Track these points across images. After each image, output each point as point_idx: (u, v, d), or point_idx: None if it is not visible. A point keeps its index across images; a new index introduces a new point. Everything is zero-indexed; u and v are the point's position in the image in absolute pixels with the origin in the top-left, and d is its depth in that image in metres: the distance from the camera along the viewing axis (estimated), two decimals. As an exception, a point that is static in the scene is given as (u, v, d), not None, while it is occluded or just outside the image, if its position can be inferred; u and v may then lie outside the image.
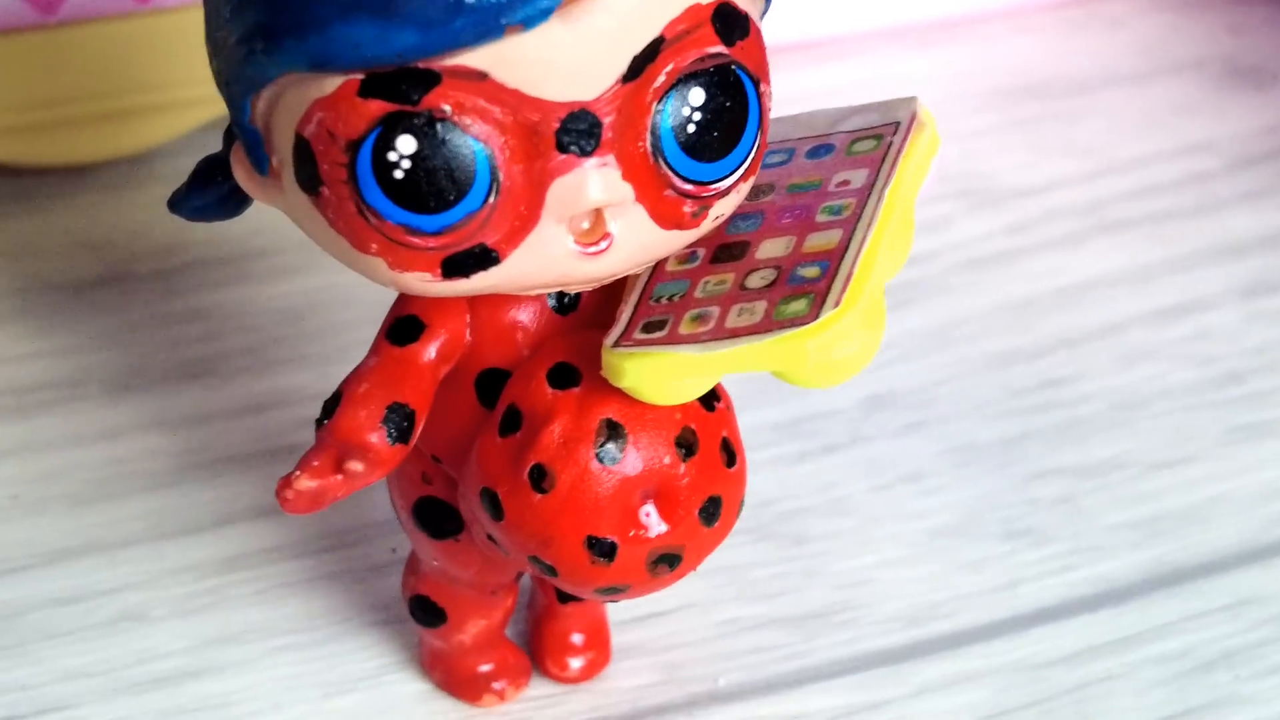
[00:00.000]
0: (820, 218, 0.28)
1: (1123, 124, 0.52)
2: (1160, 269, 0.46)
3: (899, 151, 0.29)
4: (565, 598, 0.35)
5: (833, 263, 0.27)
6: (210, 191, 0.31)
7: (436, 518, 0.32)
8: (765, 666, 0.36)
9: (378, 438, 0.28)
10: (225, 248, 0.46)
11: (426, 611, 0.34)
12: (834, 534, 0.39)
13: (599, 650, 0.36)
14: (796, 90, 0.52)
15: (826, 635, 0.37)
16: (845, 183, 0.29)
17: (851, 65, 0.54)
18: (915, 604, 0.37)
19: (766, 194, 0.30)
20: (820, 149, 0.30)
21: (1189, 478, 0.40)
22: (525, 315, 0.30)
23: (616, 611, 0.37)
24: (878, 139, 0.29)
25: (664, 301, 0.29)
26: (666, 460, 0.29)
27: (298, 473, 0.28)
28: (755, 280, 0.28)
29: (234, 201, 0.31)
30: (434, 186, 0.26)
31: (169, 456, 0.40)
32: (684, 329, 0.28)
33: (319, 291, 0.45)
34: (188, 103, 0.48)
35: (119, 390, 0.42)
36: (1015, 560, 0.38)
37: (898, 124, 0.29)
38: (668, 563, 0.29)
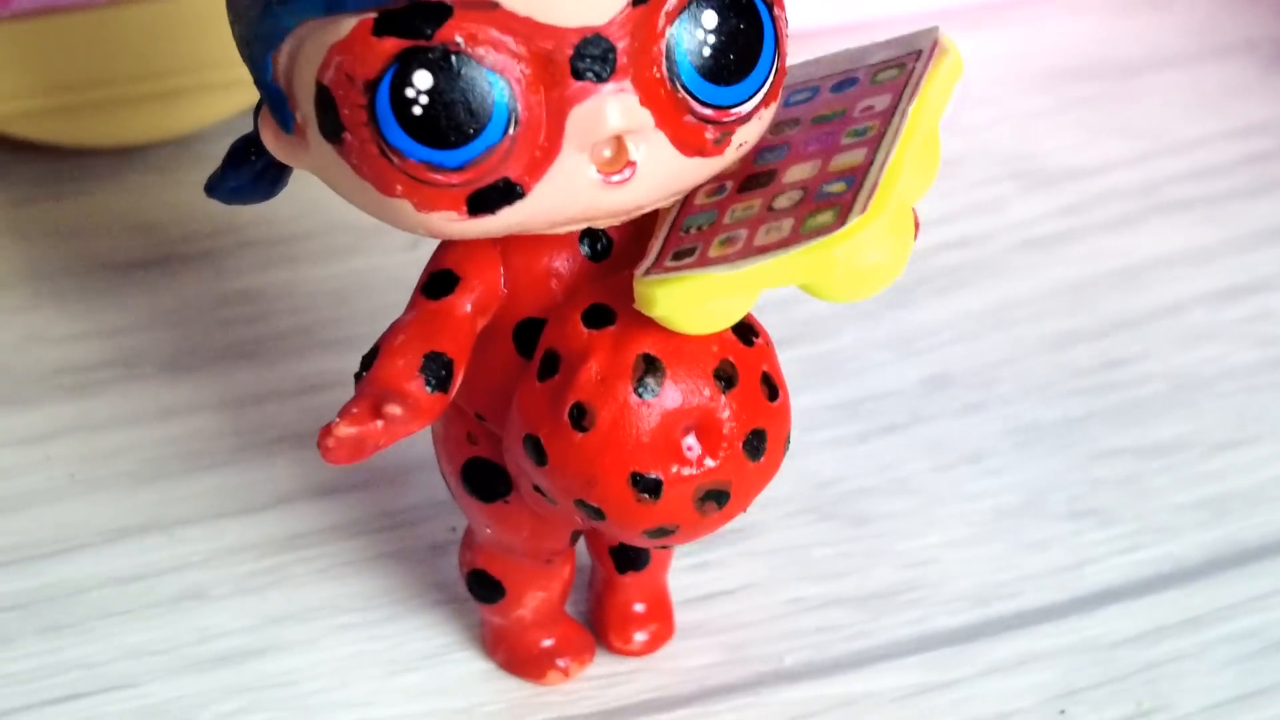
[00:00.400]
0: (845, 140, 0.29)
1: (1175, 105, 0.51)
2: (1218, 250, 0.46)
3: (921, 75, 0.29)
4: (624, 566, 0.35)
5: (858, 177, 0.28)
6: (244, 171, 0.31)
7: (485, 479, 0.32)
8: (831, 646, 0.36)
9: (416, 386, 0.28)
10: (274, 229, 0.46)
11: (484, 586, 0.34)
12: (896, 514, 0.39)
13: (662, 622, 0.35)
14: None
15: (892, 615, 0.36)
16: (869, 108, 0.29)
17: (901, 47, 0.53)
18: (981, 584, 0.37)
19: (792, 128, 0.30)
20: (845, 83, 0.30)
21: (1254, 457, 0.40)
22: (560, 263, 0.30)
23: (678, 591, 0.36)
24: (900, 67, 0.29)
25: (693, 231, 0.29)
26: (706, 393, 0.29)
27: (338, 420, 0.28)
28: (782, 201, 0.28)
29: (268, 180, 0.31)
30: (453, 120, 0.27)
31: (224, 436, 0.40)
32: (713, 252, 0.28)
33: (368, 273, 0.45)
34: (236, 83, 0.48)
35: (172, 370, 0.42)
36: (1081, 540, 0.38)
37: (920, 52, 0.29)
38: (715, 499, 0.29)
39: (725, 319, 0.28)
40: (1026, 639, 0.36)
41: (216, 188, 0.32)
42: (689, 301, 0.28)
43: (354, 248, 0.46)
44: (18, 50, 0.46)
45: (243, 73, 0.47)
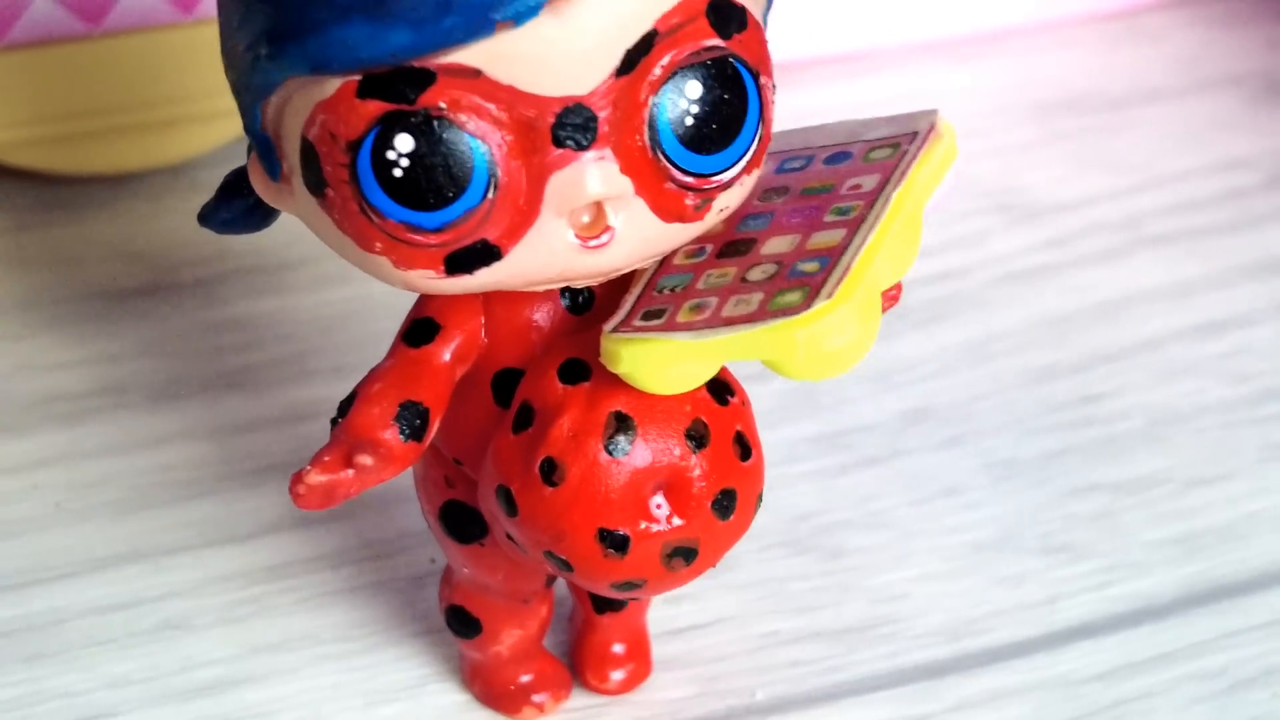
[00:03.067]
0: (828, 218, 0.29)
1: (1161, 139, 0.52)
2: (1199, 285, 0.46)
3: (913, 159, 0.29)
4: (602, 608, 0.35)
5: (833, 259, 0.28)
6: (236, 204, 0.32)
7: (461, 522, 0.32)
8: (804, 680, 0.36)
9: (390, 434, 0.29)
10: (265, 257, 0.47)
11: (462, 622, 0.34)
12: (872, 548, 0.39)
13: (639, 662, 0.36)
14: (834, 103, 0.53)
15: (865, 649, 0.37)
16: (857, 186, 0.29)
17: (888, 79, 0.54)
18: (954, 619, 0.37)
19: (781, 196, 0.30)
20: (838, 156, 0.30)
21: (1228, 494, 0.40)
22: (540, 315, 0.30)
23: (654, 624, 0.37)
24: (894, 147, 0.30)
25: (666, 292, 0.29)
26: (677, 452, 0.29)
27: (309, 468, 0.28)
28: (756, 274, 0.28)
29: (260, 213, 0.32)
30: (433, 183, 0.27)
31: (212, 465, 0.41)
32: (681, 317, 0.28)
33: (358, 301, 0.45)
34: (229, 113, 0.48)
35: (161, 398, 0.42)
36: (1054, 576, 0.38)
37: (916, 133, 0.30)
38: (683, 556, 0.30)
39: (688, 383, 0.28)
40: (998, 675, 0.36)
41: (209, 218, 0.32)
42: (652, 363, 0.28)
43: (344, 276, 0.46)
44: (10, 80, 0.46)
45: (234, 103, 0.48)
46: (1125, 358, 0.44)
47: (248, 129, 0.29)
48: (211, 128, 0.48)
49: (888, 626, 0.37)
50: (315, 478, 0.28)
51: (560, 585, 0.36)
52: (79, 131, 0.48)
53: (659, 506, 0.29)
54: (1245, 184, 0.50)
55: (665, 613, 0.37)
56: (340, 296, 0.46)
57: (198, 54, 0.47)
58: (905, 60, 0.54)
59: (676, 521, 0.29)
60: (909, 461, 0.41)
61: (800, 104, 0.50)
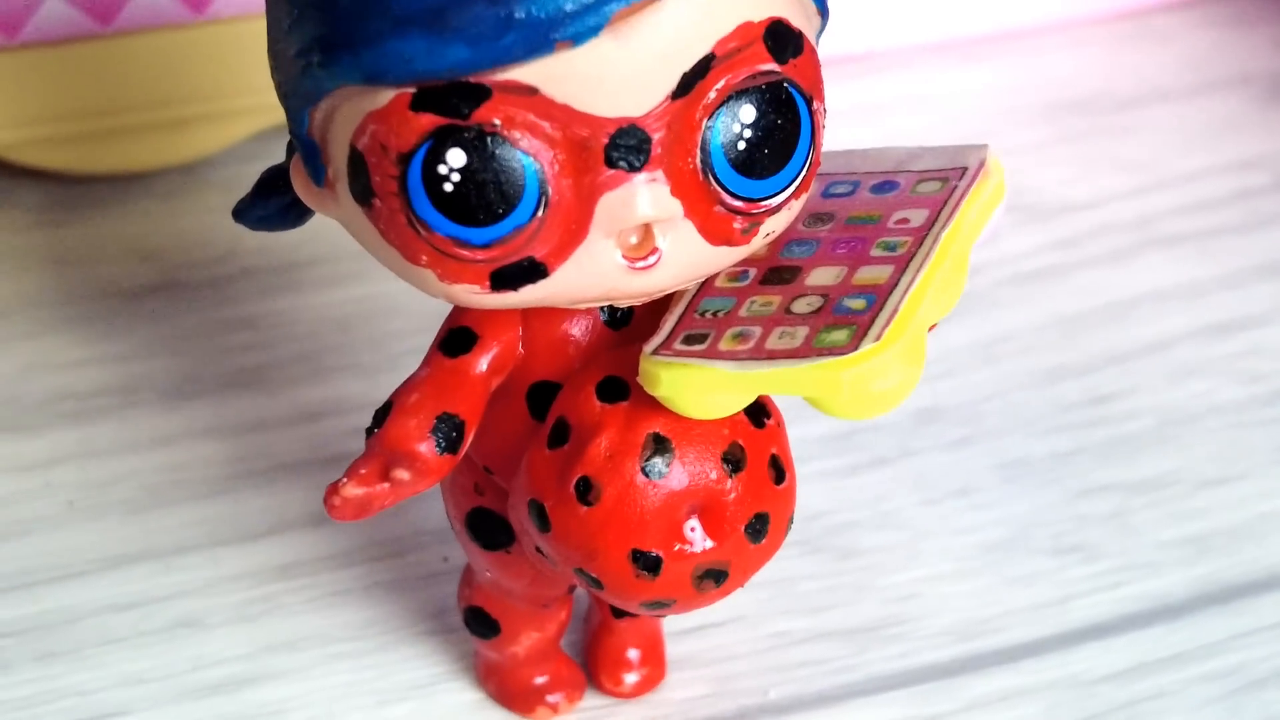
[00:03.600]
0: (874, 252, 0.29)
1: (1171, 139, 0.52)
2: (1210, 285, 0.46)
3: (962, 196, 0.29)
4: (619, 613, 0.35)
5: (880, 297, 0.27)
6: (273, 202, 0.32)
7: (489, 529, 0.32)
8: (816, 680, 0.36)
9: (426, 447, 0.29)
10: (278, 256, 0.47)
11: (481, 623, 0.34)
12: (884, 548, 0.39)
13: (654, 666, 0.36)
14: (845, 103, 0.52)
15: (877, 649, 0.37)
16: (904, 220, 0.29)
17: (899, 79, 0.54)
18: (966, 619, 0.37)
19: (826, 223, 0.30)
20: (885, 185, 0.30)
21: (1239, 495, 0.40)
22: (578, 329, 0.30)
23: (667, 624, 0.37)
24: (943, 181, 0.29)
25: (708, 316, 0.29)
26: (713, 476, 0.29)
27: (345, 480, 0.28)
28: (801, 305, 0.28)
29: (295, 212, 0.32)
30: (483, 200, 0.27)
31: (223, 464, 0.41)
32: (724, 345, 0.28)
33: (371, 300, 0.45)
34: (241, 112, 0.48)
35: (173, 397, 0.42)
36: (1066, 576, 0.38)
37: (965, 169, 0.29)
38: (713, 579, 0.30)
39: (725, 410, 0.28)
40: (1009, 675, 0.36)
41: (244, 214, 0.32)
42: (692, 390, 0.28)
43: (358, 275, 0.46)
44: (22, 79, 0.47)
45: (247, 102, 0.48)
46: (1136, 358, 0.44)
47: (293, 132, 0.29)
48: (224, 127, 0.48)
49: (899, 626, 0.37)
50: (351, 490, 0.28)
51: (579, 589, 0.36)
52: (91, 131, 0.48)
53: (693, 530, 0.29)
54: (1255, 184, 0.50)
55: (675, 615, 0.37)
56: (353, 296, 0.46)
57: (210, 53, 0.48)
58: (915, 61, 0.55)
59: (709, 544, 0.29)
60: (920, 462, 0.41)
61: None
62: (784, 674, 0.36)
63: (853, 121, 0.52)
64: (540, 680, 0.35)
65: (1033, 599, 0.38)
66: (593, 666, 0.36)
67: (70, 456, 0.41)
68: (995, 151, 0.29)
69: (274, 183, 0.31)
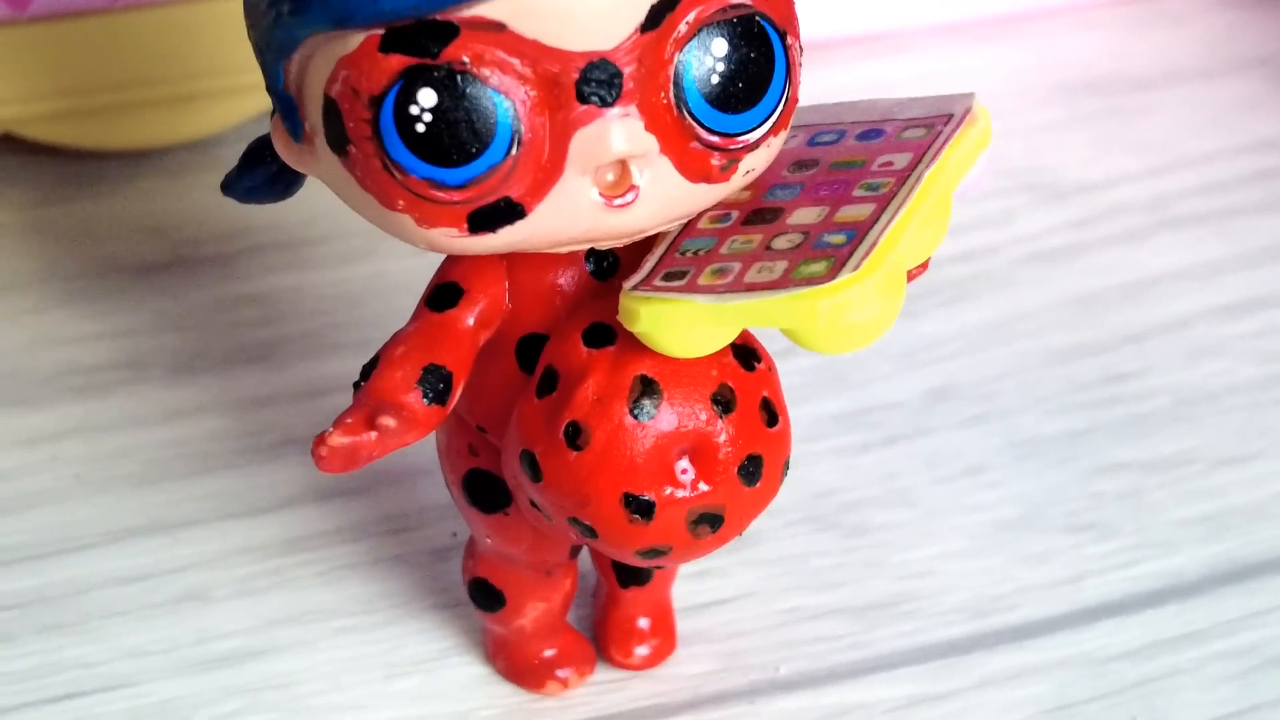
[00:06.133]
0: (857, 192, 0.29)
1: (1186, 120, 0.51)
2: (1226, 265, 0.46)
3: (946, 140, 0.29)
4: (626, 582, 0.35)
5: (860, 232, 0.28)
6: (259, 172, 0.31)
7: (485, 490, 0.32)
8: (827, 656, 0.36)
9: (413, 398, 0.28)
10: (286, 233, 0.47)
11: (485, 595, 0.34)
12: (896, 525, 0.39)
13: (664, 637, 0.35)
14: (859, 83, 0.52)
15: (888, 626, 0.36)
16: (888, 164, 0.29)
17: (914, 59, 0.54)
18: (978, 596, 0.37)
19: (810, 168, 0.30)
20: (871, 133, 0.30)
21: (1255, 474, 0.40)
22: (564, 279, 0.30)
23: (678, 599, 0.36)
24: (929, 128, 0.29)
25: (689, 255, 0.29)
26: (703, 417, 0.29)
27: (331, 430, 0.28)
28: (781, 242, 0.28)
29: (283, 182, 0.32)
30: (456, 139, 0.27)
31: (231, 438, 0.41)
32: (703, 280, 0.28)
33: (379, 277, 0.45)
34: (249, 88, 0.48)
35: (181, 372, 0.42)
36: (1079, 554, 0.38)
37: (951, 115, 0.29)
38: (709, 523, 0.29)
39: (706, 346, 0.28)
40: (1022, 652, 0.36)
41: (233, 187, 0.32)
42: (670, 324, 0.28)
43: (365, 252, 0.46)
44: (33, 53, 0.46)
45: (256, 78, 0.47)
46: (1152, 337, 0.44)
47: (270, 89, 0.29)
48: (232, 103, 0.48)
49: (911, 603, 0.37)
50: (338, 439, 0.28)
51: (584, 559, 0.36)
52: (99, 106, 0.47)
53: (684, 471, 0.29)
54: (1271, 165, 0.50)
55: (688, 588, 0.37)
56: (360, 273, 0.45)
57: (218, 28, 0.47)
58: (931, 40, 0.54)
59: (703, 487, 0.29)
60: (933, 439, 0.41)
61: (827, 83, 0.50)
62: (795, 650, 0.36)
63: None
64: (549, 654, 0.35)
65: (1046, 577, 0.38)
66: (602, 640, 0.35)
67: (77, 430, 0.41)
68: (981, 100, 0.29)
69: (260, 152, 0.31)
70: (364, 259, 0.46)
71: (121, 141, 0.48)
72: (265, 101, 0.48)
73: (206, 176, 0.48)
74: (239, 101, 0.48)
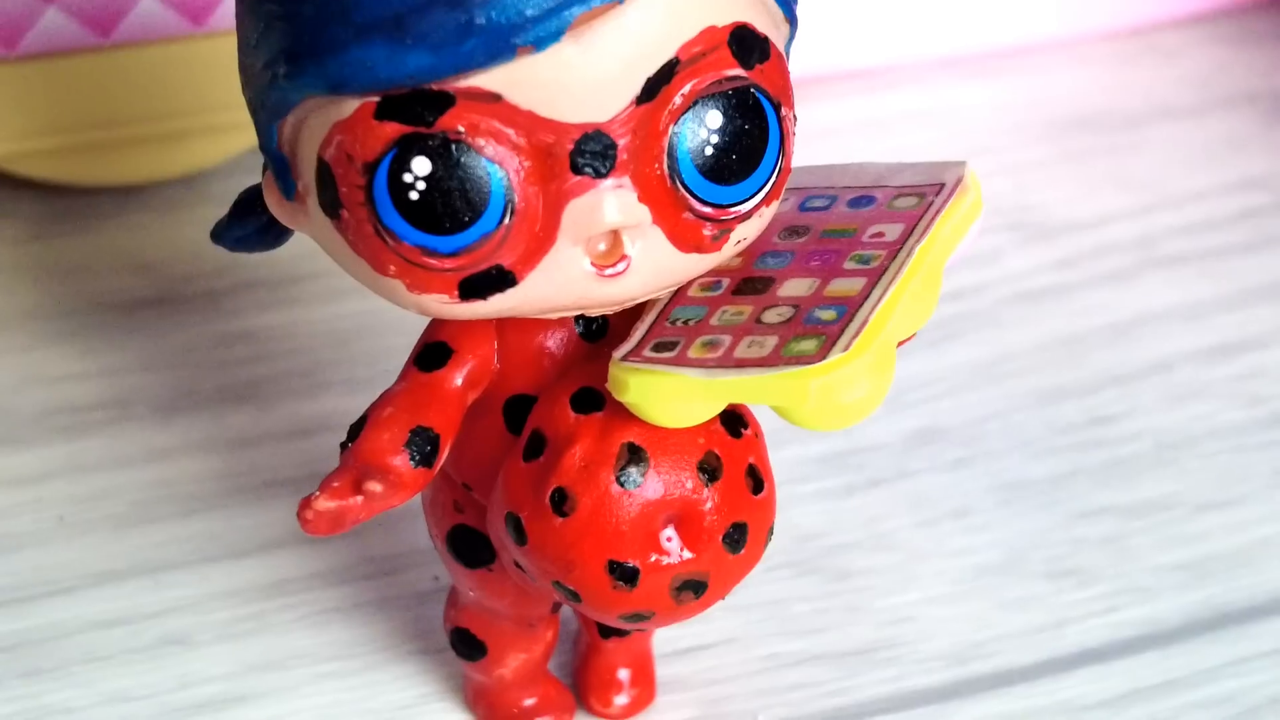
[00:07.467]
0: (848, 264, 0.29)
1: (1175, 158, 0.51)
2: (1212, 306, 0.46)
3: (937, 211, 0.29)
4: (607, 633, 0.35)
5: (850, 309, 0.27)
6: (249, 222, 0.32)
7: (470, 546, 0.32)
8: (806, 703, 0.36)
9: (400, 460, 0.29)
10: (275, 270, 0.47)
11: (467, 644, 0.34)
12: (878, 570, 0.39)
13: (644, 687, 0.35)
14: (849, 119, 0.53)
15: (869, 673, 0.37)
16: (879, 235, 0.29)
17: (904, 95, 0.54)
18: (959, 642, 0.37)
19: (801, 236, 0.30)
20: (863, 200, 0.30)
21: (1237, 519, 0.40)
22: (553, 341, 0.30)
23: (658, 645, 0.36)
24: (920, 197, 0.29)
25: (679, 324, 0.29)
26: (689, 485, 0.29)
27: (317, 494, 0.28)
28: (771, 316, 0.28)
29: (274, 233, 0.32)
30: (449, 208, 0.27)
31: (216, 479, 0.41)
32: (693, 353, 0.28)
33: (368, 315, 0.45)
34: (239, 125, 0.48)
35: (167, 412, 0.42)
36: (1060, 600, 0.38)
37: (943, 185, 0.29)
38: (692, 590, 0.29)
39: (694, 418, 0.28)
40: (1002, 700, 0.36)
41: (222, 236, 0.32)
42: (659, 396, 0.28)
43: (355, 290, 0.45)
44: (21, 91, 0.46)
45: (246, 115, 0.48)
46: (1136, 379, 0.44)
47: (263, 147, 0.29)
48: (222, 140, 0.48)
49: (892, 650, 0.37)
50: (324, 504, 0.28)
51: (566, 609, 0.36)
52: (89, 143, 0.48)
53: (669, 539, 0.29)
54: (1260, 204, 0.50)
55: (668, 634, 0.37)
56: (350, 311, 0.45)
57: (208, 66, 0.47)
58: (920, 76, 0.54)
59: (687, 555, 0.29)
60: (916, 483, 0.41)
61: (818, 119, 0.50)
62: (775, 697, 0.36)
63: (857, 137, 0.52)
64: (529, 702, 0.35)
65: (1027, 623, 0.38)
66: (582, 688, 0.35)
67: (62, 471, 0.41)
68: (974, 168, 0.29)
69: (251, 203, 0.31)
70: (355, 296, 0.45)
71: (111, 178, 0.48)
72: (254, 138, 0.48)
73: (196, 212, 0.48)
74: (229, 138, 0.48)
